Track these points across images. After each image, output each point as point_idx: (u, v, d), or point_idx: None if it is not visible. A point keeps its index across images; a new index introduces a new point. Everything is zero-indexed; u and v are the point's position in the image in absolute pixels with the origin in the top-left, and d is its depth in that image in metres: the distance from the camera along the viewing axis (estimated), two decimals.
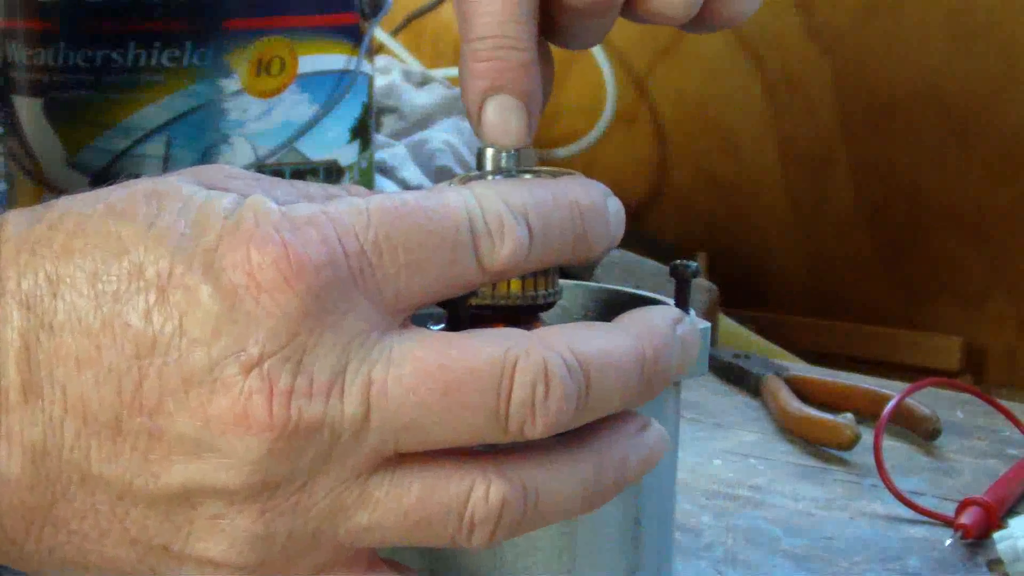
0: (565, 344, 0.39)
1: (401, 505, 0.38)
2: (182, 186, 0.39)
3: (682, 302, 0.48)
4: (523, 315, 0.47)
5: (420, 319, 0.50)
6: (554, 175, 0.43)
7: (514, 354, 0.38)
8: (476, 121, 0.47)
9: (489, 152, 0.46)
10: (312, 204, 0.39)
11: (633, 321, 0.42)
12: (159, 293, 0.37)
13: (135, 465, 0.37)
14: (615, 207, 0.43)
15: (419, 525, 0.39)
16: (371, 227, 0.38)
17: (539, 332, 0.40)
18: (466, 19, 0.47)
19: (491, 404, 0.38)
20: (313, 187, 0.43)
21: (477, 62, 0.46)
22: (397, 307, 0.39)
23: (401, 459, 0.39)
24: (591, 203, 0.42)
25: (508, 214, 0.40)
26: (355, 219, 0.38)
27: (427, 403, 0.38)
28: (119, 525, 0.38)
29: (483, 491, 0.39)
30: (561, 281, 0.48)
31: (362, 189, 0.43)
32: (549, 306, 0.47)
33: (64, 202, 0.40)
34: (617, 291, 0.54)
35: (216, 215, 0.38)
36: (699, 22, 0.51)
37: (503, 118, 0.46)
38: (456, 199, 0.40)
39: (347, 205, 0.39)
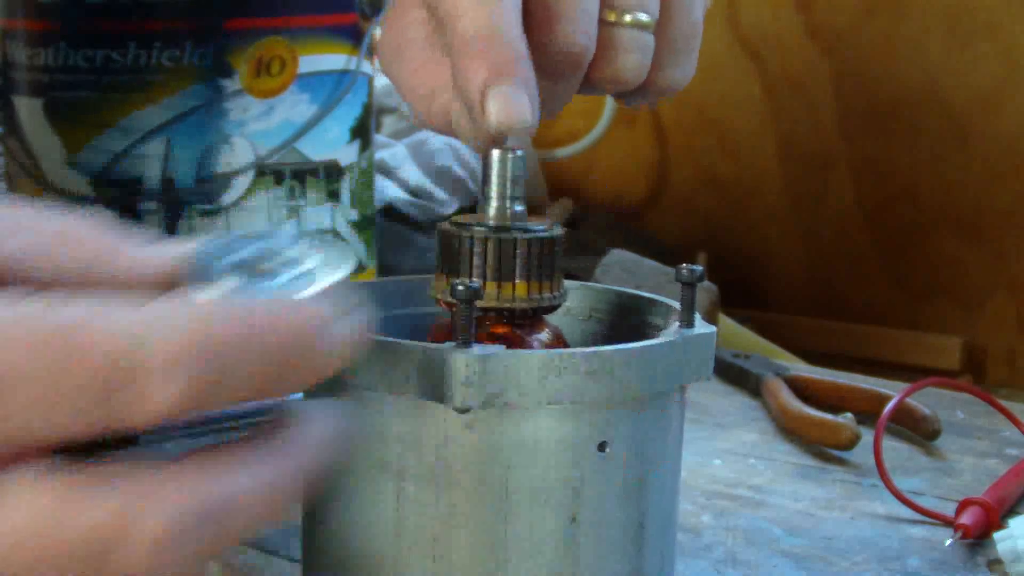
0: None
1: None
2: None
3: (687, 305, 0.48)
4: (528, 318, 0.47)
5: (422, 318, 0.50)
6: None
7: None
8: (479, 111, 0.46)
9: (495, 155, 0.46)
10: None
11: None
12: None
13: None
14: (344, 330, 0.35)
15: None
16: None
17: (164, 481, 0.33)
18: (452, 20, 0.47)
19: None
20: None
21: (473, 58, 0.46)
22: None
23: None
24: (291, 333, 0.34)
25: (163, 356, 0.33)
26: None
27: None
28: None
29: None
30: (566, 282, 0.48)
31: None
32: (554, 309, 0.47)
33: None
34: (620, 292, 0.54)
35: None
36: (638, 91, 0.51)
37: (508, 102, 0.45)
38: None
39: None
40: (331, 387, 0.46)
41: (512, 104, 0.45)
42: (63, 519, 0.32)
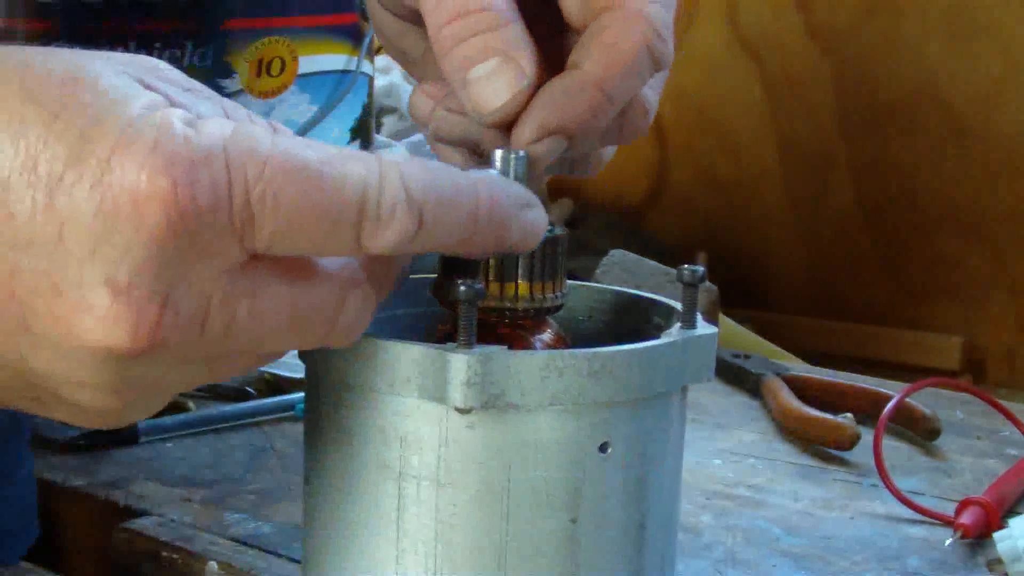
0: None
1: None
2: (102, 76, 0.39)
3: (689, 306, 0.48)
4: (530, 318, 0.47)
5: (423, 318, 0.50)
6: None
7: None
8: (463, 93, 0.45)
9: (498, 153, 0.46)
10: (220, 129, 0.38)
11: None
12: (47, 195, 0.37)
13: (3, 342, 0.39)
14: (530, 218, 0.43)
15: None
16: (263, 180, 0.38)
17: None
18: (436, 7, 0.46)
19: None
20: (241, 111, 0.42)
21: (456, 41, 0.45)
22: (265, 254, 0.39)
23: None
24: (494, 210, 0.42)
25: (403, 203, 0.40)
26: (252, 166, 0.38)
27: (282, 331, 0.40)
28: None
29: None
30: (568, 282, 0.48)
31: (285, 129, 0.42)
32: (557, 309, 0.47)
33: None
34: (621, 293, 0.54)
35: (120, 121, 0.37)
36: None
37: (488, 80, 0.45)
38: (357, 173, 0.39)
39: (250, 145, 0.38)
40: (333, 385, 0.46)
41: (492, 82, 0.45)
42: (303, 300, 0.40)
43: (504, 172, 0.45)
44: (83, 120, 0.37)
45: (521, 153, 0.45)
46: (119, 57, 0.40)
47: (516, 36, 0.46)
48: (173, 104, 0.39)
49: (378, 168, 0.40)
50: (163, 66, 0.41)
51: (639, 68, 0.47)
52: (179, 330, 0.38)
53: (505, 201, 0.42)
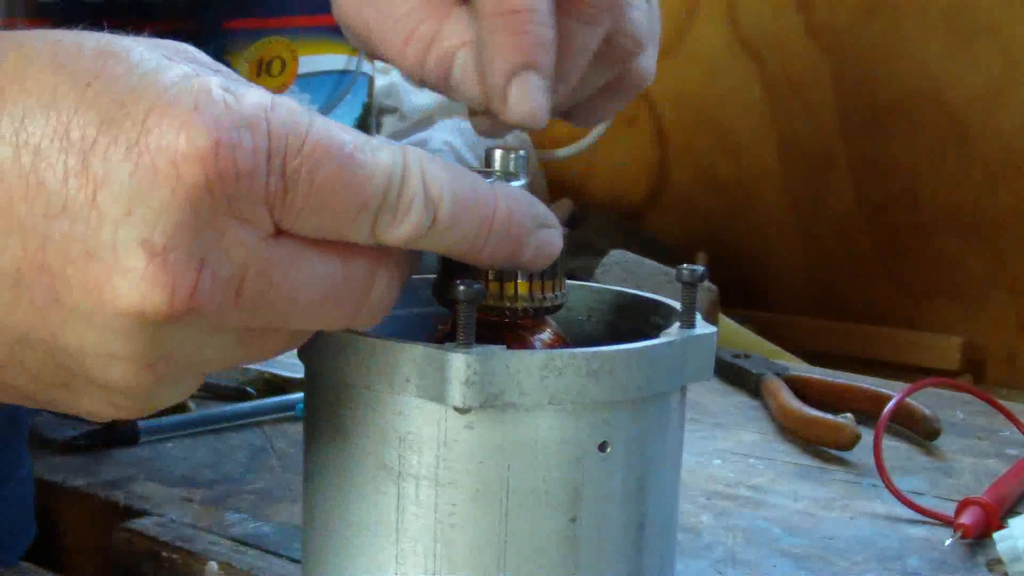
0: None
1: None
2: (133, 50, 0.38)
3: (689, 305, 0.48)
4: (530, 318, 0.47)
5: (423, 318, 0.50)
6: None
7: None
8: (500, 100, 0.45)
9: (498, 153, 0.46)
10: (260, 99, 0.38)
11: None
12: (80, 159, 0.36)
13: (32, 319, 0.38)
14: (545, 238, 0.43)
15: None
16: (302, 154, 0.38)
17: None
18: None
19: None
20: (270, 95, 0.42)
21: (505, 36, 0.44)
22: (287, 230, 0.39)
23: None
24: (511, 224, 0.41)
25: (420, 199, 0.39)
26: (293, 138, 0.38)
27: (314, 305, 0.39)
28: (17, 363, 0.39)
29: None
30: (567, 282, 0.48)
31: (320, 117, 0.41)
32: (556, 309, 0.47)
33: (16, 38, 0.39)
34: (620, 292, 0.54)
35: (157, 87, 0.37)
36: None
37: (530, 97, 0.44)
38: (386, 163, 0.39)
39: (292, 118, 0.38)
40: (332, 385, 0.46)
41: (534, 101, 0.45)
42: (336, 273, 0.40)
43: (503, 170, 0.45)
44: (117, 87, 0.37)
45: (522, 153, 0.45)
46: (146, 40, 0.40)
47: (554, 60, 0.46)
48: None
49: (402, 160, 0.39)
50: (191, 48, 0.41)
51: None
52: (215, 295, 0.37)
53: (522, 217, 0.42)
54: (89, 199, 0.36)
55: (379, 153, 0.39)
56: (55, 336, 0.38)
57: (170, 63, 0.38)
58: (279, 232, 0.39)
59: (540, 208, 0.43)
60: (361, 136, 0.39)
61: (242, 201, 0.37)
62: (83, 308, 0.37)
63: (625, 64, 0.50)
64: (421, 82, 0.49)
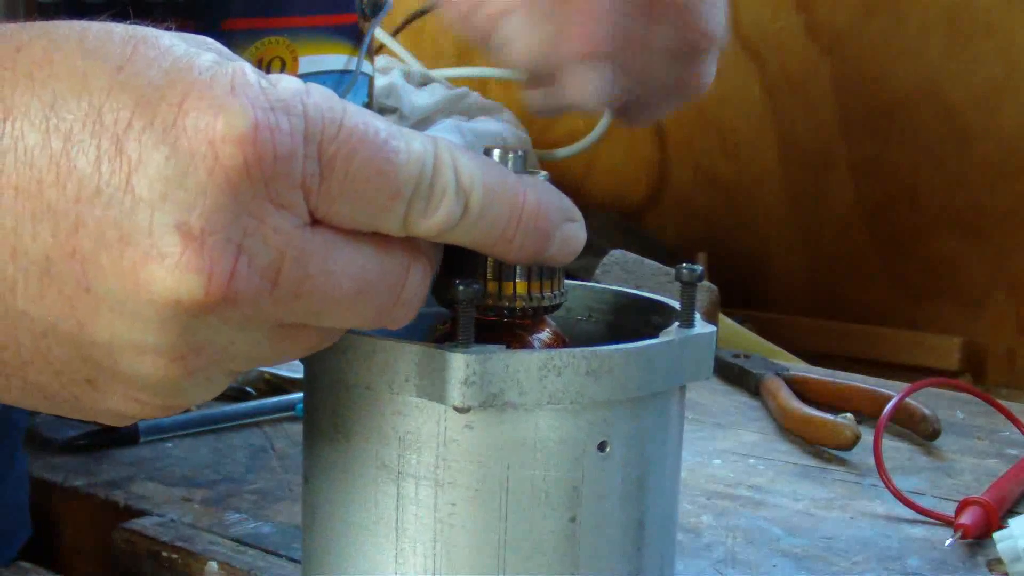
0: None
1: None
2: (162, 36, 0.38)
3: (687, 305, 0.48)
4: (529, 318, 0.47)
5: (424, 318, 0.50)
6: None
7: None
8: (564, 81, 0.45)
9: (496, 155, 0.46)
10: (296, 85, 0.38)
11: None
12: (113, 142, 0.36)
13: (61, 309, 0.37)
14: (571, 232, 0.43)
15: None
16: (338, 141, 0.37)
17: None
18: None
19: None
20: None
21: (581, 21, 0.45)
22: (322, 219, 0.38)
23: None
24: (539, 217, 0.42)
25: (452, 188, 0.39)
26: (330, 124, 0.37)
27: (349, 298, 0.39)
28: (42, 358, 0.38)
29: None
30: (566, 282, 0.48)
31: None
32: (555, 308, 0.47)
33: (41, 27, 0.38)
34: (620, 292, 0.54)
35: (193, 69, 0.37)
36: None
37: (599, 83, 0.45)
38: (419, 151, 0.39)
39: (329, 104, 0.38)
40: (332, 385, 0.46)
41: (601, 86, 0.45)
42: (372, 266, 0.39)
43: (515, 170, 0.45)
44: (151, 71, 0.37)
45: (520, 152, 0.45)
46: (175, 33, 0.40)
47: None
48: None
49: (434, 149, 0.39)
50: (211, 40, 0.41)
51: None
52: (252, 283, 0.36)
53: (550, 210, 0.42)
54: (123, 183, 0.36)
55: (412, 142, 0.39)
56: (83, 326, 0.37)
57: (199, 51, 0.38)
58: (314, 221, 0.38)
59: (566, 201, 0.43)
60: (393, 125, 0.39)
61: (280, 185, 0.36)
62: (115, 296, 0.36)
63: (691, 64, 0.50)
64: (464, 34, 0.49)
